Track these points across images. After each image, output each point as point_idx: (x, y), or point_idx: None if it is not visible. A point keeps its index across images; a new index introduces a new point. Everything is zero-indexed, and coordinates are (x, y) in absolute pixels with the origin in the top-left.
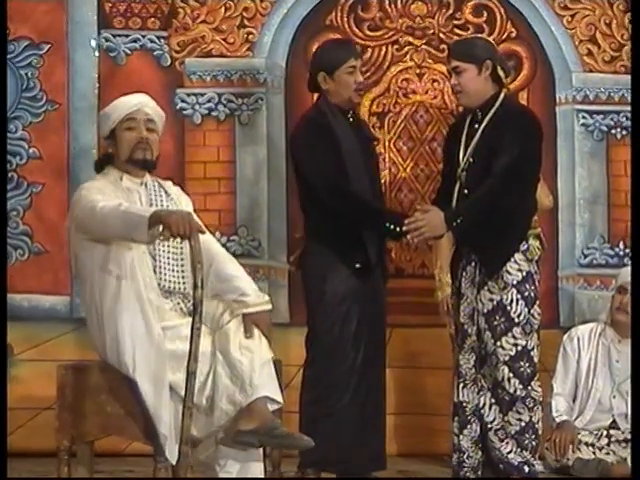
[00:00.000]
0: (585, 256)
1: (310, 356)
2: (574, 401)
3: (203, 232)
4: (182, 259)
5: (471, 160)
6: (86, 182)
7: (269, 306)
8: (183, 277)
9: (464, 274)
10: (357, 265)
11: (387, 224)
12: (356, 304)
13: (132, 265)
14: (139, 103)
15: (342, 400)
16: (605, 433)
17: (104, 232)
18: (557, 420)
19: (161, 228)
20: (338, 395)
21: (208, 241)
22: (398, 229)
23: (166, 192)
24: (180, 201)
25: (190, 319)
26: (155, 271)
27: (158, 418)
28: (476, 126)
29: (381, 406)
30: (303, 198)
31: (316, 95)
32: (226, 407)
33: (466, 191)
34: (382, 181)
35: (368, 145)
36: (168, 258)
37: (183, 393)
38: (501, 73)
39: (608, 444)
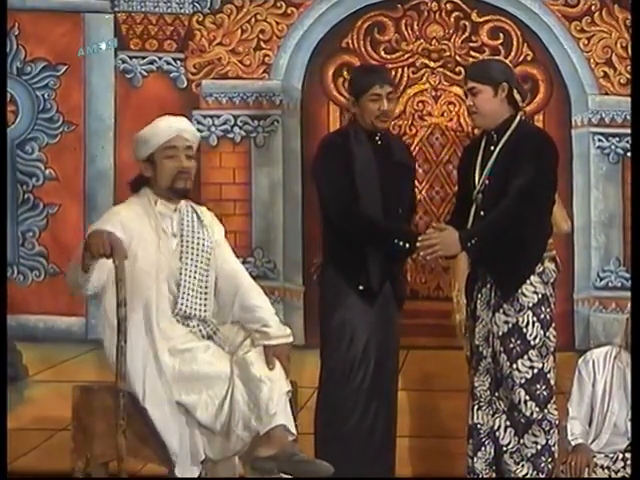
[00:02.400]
0: (601, 279)
1: (321, 378)
2: (590, 425)
3: (126, 257)
4: (206, 286)
5: (487, 182)
6: (116, 205)
7: (291, 339)
8: (205, 304)
9: (479, 296)
10: (360, 287)
11: (396, 240)
12: (363, 327)
13: (149, 295)
14: (179, 129)
15: (349, 422)
16: (621, 456)
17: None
18: (573, 443)
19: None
20: (346, 417)
21: (235, 270)
22: (407, 245)
23: (199, 218)
24: (212, 228)
25: (207, 342)
26: (177, 297)
27: (168, 441)
28: (491, 148)
29: (391, 428)
30: (322, 221)
31: None
32: (241, 433)
33: (482, 213)
34: None
35: (396, 169)
36: (193, 285)
37: (199, 415)
38: (517, 96)
39: (624, 467)
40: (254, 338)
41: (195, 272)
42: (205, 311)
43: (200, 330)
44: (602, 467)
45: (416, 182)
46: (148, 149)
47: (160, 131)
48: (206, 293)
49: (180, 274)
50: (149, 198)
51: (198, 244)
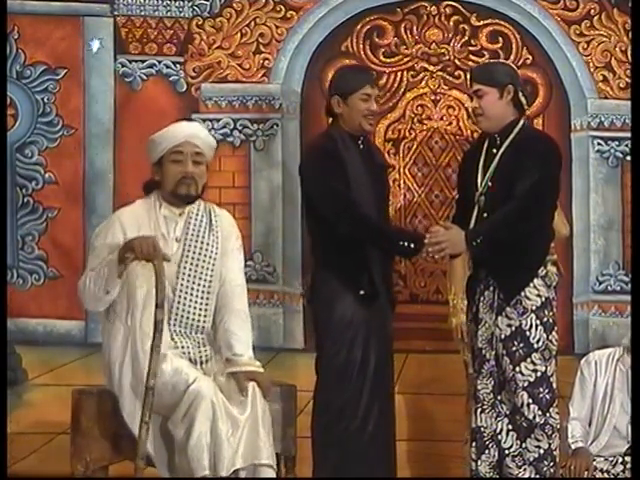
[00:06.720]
0: (600, 282)
1: (319, 381)
2: (589, 425)
3: (168, 259)
4: (208, 292)
5: (490, 185)
6: (123, 208)
7: (261, 370)
8: (205, 308)
9: (482, 299)
10: (362, 292)
11: (401, 242)
12: (362, 330)
13: (137, 294)
14: (188, 135)
15: (351, 426)
16: (620, 460)
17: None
18: (573, 447)
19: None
20: (347, 421)
21: (233, 286)
22: (412, 246)
23: (211, 223)
24: (224, 234)
25: (194, 370)
26: (172, 302)
27: (143, 448)
28: (494, 151)
29: (391, 432)
30: (311, 225)
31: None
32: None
33: (485, 215)
34: (397, 206)
35: (379, 172)
36: (192, 290)
37: (170, 427)
38: (522, 99)
39: (623, 471)
40: (225, 365)
41: (194, 277)
42: (205, 321)
43: (188, 353)
44: (601, 470)
45: (415, 186)
46: (158, 152)
47: (170, 135)
48: (208, 298)
49: (177, 277)
50: (154, 201)
51: (201, 249)
